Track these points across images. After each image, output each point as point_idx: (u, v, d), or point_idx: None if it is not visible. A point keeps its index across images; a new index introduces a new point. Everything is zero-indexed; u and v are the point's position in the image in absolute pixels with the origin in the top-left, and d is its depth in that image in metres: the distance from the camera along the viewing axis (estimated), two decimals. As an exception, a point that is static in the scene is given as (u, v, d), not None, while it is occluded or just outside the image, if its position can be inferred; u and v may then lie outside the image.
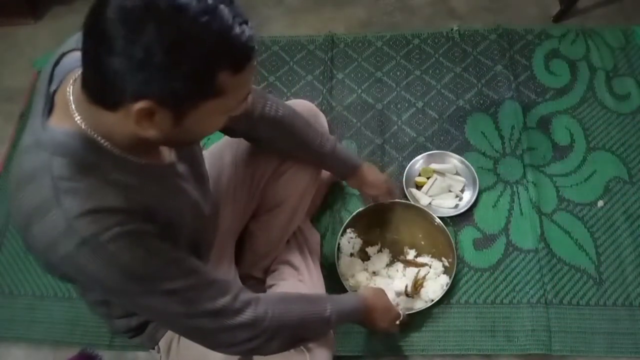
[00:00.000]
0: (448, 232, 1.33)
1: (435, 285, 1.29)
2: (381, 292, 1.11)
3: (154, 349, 1.02)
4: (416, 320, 1.29)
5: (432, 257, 1.35)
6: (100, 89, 0.63)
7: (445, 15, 1.88)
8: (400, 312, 1.13)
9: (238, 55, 0.62)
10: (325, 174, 1.41)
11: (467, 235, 1.42)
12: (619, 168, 1.49)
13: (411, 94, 1.69)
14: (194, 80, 0.60)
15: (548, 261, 1.36)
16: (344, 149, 1.21)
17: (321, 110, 1.34)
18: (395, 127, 1.63)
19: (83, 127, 0.67)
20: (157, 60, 0.57)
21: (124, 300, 0.77)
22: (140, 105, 0.60)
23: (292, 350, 0.93)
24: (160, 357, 1.01)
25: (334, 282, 1.29)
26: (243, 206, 1.17)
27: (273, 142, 1.10)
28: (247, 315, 0.79)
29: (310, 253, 1.31)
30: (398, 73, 1.74)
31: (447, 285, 1.28)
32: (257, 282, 1.24)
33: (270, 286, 1.20)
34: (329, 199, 1.49)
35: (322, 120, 1.27)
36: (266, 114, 1.04)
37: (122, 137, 0.68)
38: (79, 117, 0.67)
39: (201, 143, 1.55)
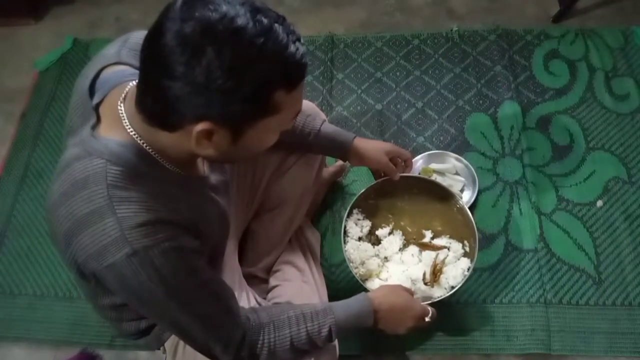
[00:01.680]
0: (468, 211, 1.20)
1: (456, 270, 1.17)
2: (396, 290, 1.01)
3: (159, 349, 1.02)
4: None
5: (450, 238, 1.23)
6: (160, 113, 0.64)
7: (445, 15, 1.89)
8: (429, 308, 1.02)
9: (293, 73, 0.63)
10: (325, 173, 1.42)
11: (467, 235, 1.42)
12: (618, 168, 1.50)
13: (411, 94, 1.70)
14: (253, 101, 0.61)
15: (547, 261, 1.36)
16: (332, 127, 1.14)
17: (321, 110, 1.34)
18: (395, 127, 1.63)
19: (137, 139, 0.69)
20: (218, 83, 0.58)
21: (152, 313, 0.78)
22: (201, 127, 0.62)
23: None
24: (166, 357, 1.02)
25: (332, 283, 1.29)
26: (245, 206, 1.17)
27: None
28: (246, 350, 0.82)
29: (312, 253, 1.31)
30: (398, 73, 1.75)
31: (469, 270, 1.15)
32: (259, 281, 1.24)
33: (274, 287, 1.20)
34: (329, 199, 1.49)
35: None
36: None
37: (176, 154, 0.70)
38: (133, 132, 0.68)
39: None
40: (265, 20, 0.60)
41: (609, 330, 1.27)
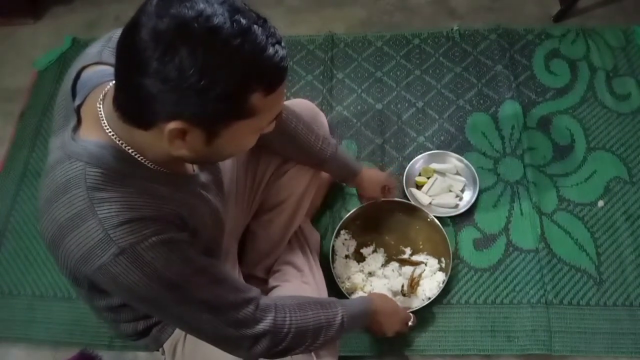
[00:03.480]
0: (443, 230, 1.33)
1: (432, 283, 1.29)
2: (387, 297, 1.14)
3: (158, 350, 1.02)
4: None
5: (427, 255, 1.35)
6: (133, 110, 0.63)
7: (446, 15, 1.88)
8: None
9: (271, 76, 0.62)
10: (325, 173, 1.41)
11: (467, 235, 1.41)
12: (619, 168, 1.49)
13: (411, 93, 1.69)
14: (227, 102, 0.60)
15: (548, 261, 1.35)
16: (344, 153, 1.22)
17: (321, 110, 1.34)
18: (396, 127, 1.63)
19: (115, 140, 0.68)
20: (190, 81, 0.57)
21: (154, 309, 0.77)
22: (172, 125, 0.61)
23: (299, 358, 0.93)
24: (165, 358, 1.01)
25: (330, 284, 1.28)
26: (245, 206, 1.17)
27: (274, 145, 1.10)
28: (268, 322, 0.80)
29: (312, 253, 1.31)
30: (398, 73, 1.74)
31: (443, 283, 1.28)
32: (259, 282, 1.24)
33: (274, 287, 1.19)
34: (328, 199, 1.49)
35: (322, 119, 1.26)
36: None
37: (154, 154, 0.69)
38: (111, 132, 0.68)
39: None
40: (243, 21, 0.58)
41: (610, 330, 1.27)
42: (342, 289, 1.29)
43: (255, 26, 0.59)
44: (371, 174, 1.30)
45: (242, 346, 0.81)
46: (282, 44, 0.63)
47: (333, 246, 1.35)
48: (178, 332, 0.97)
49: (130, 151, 0.68)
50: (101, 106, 0.69)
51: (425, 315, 1.29)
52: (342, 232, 1.38)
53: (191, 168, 0.82)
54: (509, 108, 1.62)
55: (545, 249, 1.37)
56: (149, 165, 0.70)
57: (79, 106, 0.71)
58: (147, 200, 0.68)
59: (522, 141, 1.55)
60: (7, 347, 1.37)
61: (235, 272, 1.12)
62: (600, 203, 1.44)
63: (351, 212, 1.39)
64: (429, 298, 1.27)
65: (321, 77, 1.75)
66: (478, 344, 1.27)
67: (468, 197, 1.45)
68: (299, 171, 1.18)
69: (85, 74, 0.74)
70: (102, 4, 2.03)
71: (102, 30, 1.94)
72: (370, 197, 1.36)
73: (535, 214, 1.42)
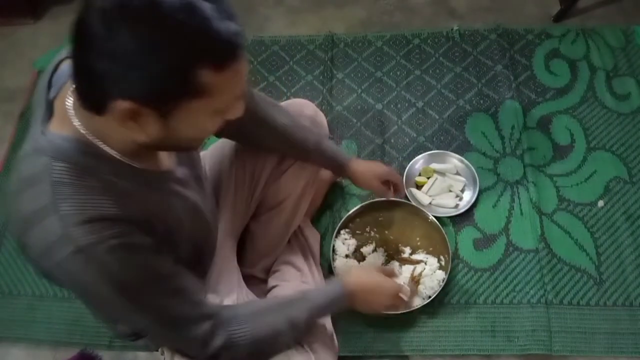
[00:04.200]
0: (442, 229, 1.33)
1: (432, 281, 1.29)
2: (369, 272, 1.04)
3: (157, 350, 1.01)
4: (415, 320, 1.29)
5: (427, 254, 1.35)
6: (87, 93, 0.63)
7: (446, 15, 1.88)
8: (404, 284, 1.06)
9: (220, 51, 0.60)
10: (324, 173, 1.41)
11: (467, 235, 1.41)
12: (619, 168, 1.49)
13: (411, 93, 1.69)
14: (173, 79, 0.59)
15: (548, 261, 1.35)
16: (332, 145, 1.18)
17: (321, 110, 1.34)
18: (396, 127, 1.63)
19: (82, 131, 0.67)
20: (135, 59, 0.56)
21: (107, 311, 0.77)
22: (122, 105, 0.59)
23: (295, 351, 0.93)
24: (164, 358, 1.01)
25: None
26: (243, 206, 1.17)
27: (257, 139, 1.09)
28: (223, 338, 0.80)
29: (312, 253, 1.31)
30: (398, 73, 1.74)
31: (443, 281, 1.28)
32: (259, 282, 1.24)
33: (273, 287, 1.19)
34: (329, 199, 1.49)
35: (321, 119, 1.26)
36: (252, 112, 1.03)
37: (118, 142, 0.68)
38: (78, 123, 0.67)
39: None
40: None
41: (610, 330, 1.27)
42: None
43: (203, 1, 0.58)
44: (366, 166, 1.23)
45: (198, 357, 0.81)
46: (236, 20, 0.61)
47: (333, 246, 1.35)
48: None
49: (97, 143, 0.67)
50: (70, 98, 0.68)
51: (425, 315, 1.29)
52: (343, 231, 1.38)
53: (166, 163, 0.81)
54: (509, 108, 1.62)
55: (545, 249, 1.37)
56: (118, 157, 0.69)
57: (53, 99, 0.71)
58: (111, 198, 0.67)
59: (522, 141, 1.55)
60: (7, 347, 1.37)
61: (234, 273, 1.12)
62: (600, 203, 1.44)
63: (351, 211, 1.39)
64: (430, 297, 1.27)
65: (321, 77, 1.75)
66: (478, 344, 1.27)
67: (468, 197, 1.45)
68: (298, 171, 1.18)
69: (62, 67, 0.74)
70: (102, 4, 2.03)
71: (102, 30, 1.94)
72: (368, 189, 1.31)
73: (535, 214, 1.42)
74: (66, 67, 0.73)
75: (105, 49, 0.57)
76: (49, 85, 0.73)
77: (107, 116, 0.62)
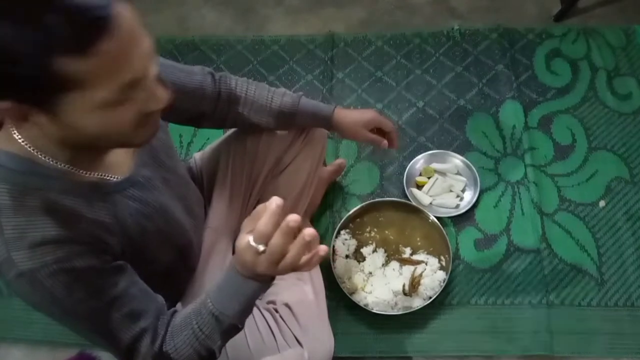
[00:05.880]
0: (443, 229, 1.33)
1: (433, 282, 1.29)
2: (237, 240, 0.71)
3: None
4: (416, 321, 1.29)
5: (427, 254, 1.34)
6: None
7: (446, 14, 1.88)
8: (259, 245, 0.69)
9: (69, 34, 0.50)
10: (324, 172, 1.41)
11: (468, 235, 1.41)
12: (621, 168, 1.49)
13: (412, 93, 1.69)
14: (28, 72, 0.51)
15: (549, 262, 1.35)
16: (311, 100, 1.10)
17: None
18: (396, 126, 1.62)
19: (24, 145, 0.64)
20: None
21: (63, 326, 0.76)
22: (2, 106, 0.54)
23: (289, 349, 0.93)
24: None
25: (330, 284, 1.28)
26: (240, 205, 1.16)
27: (237, 117, 1.06)
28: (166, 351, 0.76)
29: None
30: (398, 72, 1.74)
31: (444, 282, 1.28)
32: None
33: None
34: (329, 199, 1.48)
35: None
36: (222, 90, 1.02)
37: (54, 147, 0.65)
38: (17, 134, 0.64)
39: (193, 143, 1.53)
40: None
41: (611, 331, 1.26)
42: (343, 289, 1.28)
43: None
44: (352, 115, 1.11)
45: None
46: None
47: (333, 246, 1.35)
48: None
49: (38, 154, 0.65)
50: None
51: (426, 315, 1.29)
52: (342, 231, 1.38)
53: (124, 168, 0.77)
54: (510, 108, 1.61)
55: (546, 249, 1.37)
56: (60, 169, 0.66)
57: None
58: (54, 219, 0.64)
59: (523, 141, 1.54)
60: (6, 348, 1.37)
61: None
62: (602, 203, 1.44)
63: (351, 211, 1.38)
64: (430, 297, 1.27)
65: (321, 77, 1.74)
66: (479, 345, 1.26)
67: (469, 197, 1.45)
68: (296, 170, 1.17)
69: None
70: (101, 3, 2.03)
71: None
72: (361, 141, 1.18)
73: (537, 214, 1.42)
74: None
75: None
76: None
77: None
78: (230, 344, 0.86)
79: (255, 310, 1.01)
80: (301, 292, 1.13)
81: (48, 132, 0.61)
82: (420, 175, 1.49)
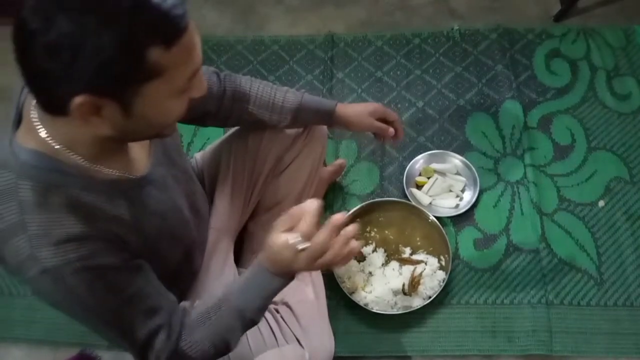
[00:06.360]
0: (442, 229, 1.33)
1: (432, 282, 1.29)
2: (271, 240, 0.78)
3: None
4: (416, 320, 1.29)
5: (427, 254, 1.35)
6: (43, 96, 0.61)
7: (446, 14, 1.88)
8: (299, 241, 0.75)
9: (162, 27, 0.57)
10: (324, 172, 1.41)
11: (468, 235, 1.41)
12: (620, 168, 1.49)
13: (411, 93, 1.69)
14: (122, 63, 0.56)
15: (549, 261, 1.35)
16: (313, 97, 1.10)
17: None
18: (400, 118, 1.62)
19: (48, 141, 0.65)
20: (76, 48, 0.54)
21: (78, 322, 0.77)
22: (79, 100, 0.57)
23: (290, 346, 0.93)
24: None
25: (330, 284, 1.28)
26: (241, 205, 1.16)
27: (241, 114, 1.06)
28: (167, 354, 0.77)
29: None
30: (398, 72, 1.74)
31: (443, 282, 1.28)
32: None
33: None
34: (328, 199, 1.48)
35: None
36: (227, 88, 1.02)
37: (84, 143, 0.66)
38: (43, 131, 0.65)
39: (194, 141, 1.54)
40: None
41: (610, 331, 1.26)
42: (343, 289, 1.29)
43: None
44: (356, 107, 1.12)
45: None
46: None
47: None
48: None
49: (65, 151, 0.66)
50: (36, 107, 0.66)
51: (425, 315, 1.29)
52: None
53: (141, 166, 0.78)
54: (510, 108, 1.62)
55: (545, 249, 1.37)
56: (86, 166, 0.68)
57: (23, 106, 0.69)
58: (77, 216, 0.65)
59: (523, 141, 1.55)
60: (7, 347, 1.37)
61: (230, 272, 1.11)
62: (601, 203, 1.44)
63: (351, 211, 1.38)
64: (430, 297, 1.27)
65: (321, 77, 1.75)
66: (479, 345, 1.26)
67: (468, 197, 1.45)
68: (297, 170, 1.18)
69: None
70: (101, 3, 2.03)
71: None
72: (367, 131, 1.16)
73: (536, 214, 1.42)
74: None
75: (47, 44, 0.54)
76: (22, 90, 0.71)
77: (69, 116, 0.59)
78: None
79: None
80: (302, 292, 1.13)
81: (101, 126, 0.62)
82: (420, 175, 1.50)
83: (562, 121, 1.59)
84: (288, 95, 1.07)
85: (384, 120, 1.15)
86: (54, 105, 0.61)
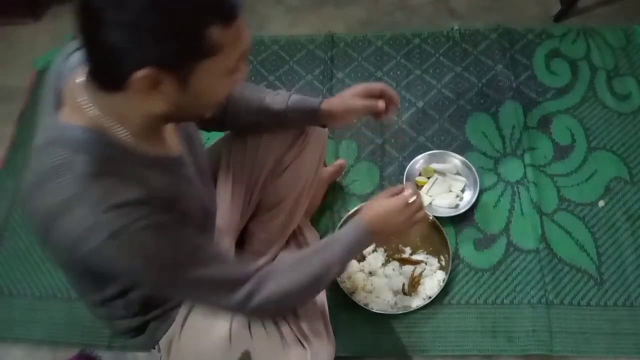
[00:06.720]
0: (442, 229, 1.33)
1: (432, 282, 1.29)
2: (376, 200, 0.95)
3: (154, 348, 1.01)
4: (416, 320, 1.29)
5: (427, 254, 1.35)
6: (101, 69, 0.64)
7: (446, 14, 1.88)
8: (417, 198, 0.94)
9: (224, 7, 0.62)
10: (324, 173, 1.41)
11: (468, 235, 1.41)
12: (620, 168, 1.49)
13: (412, 93, 1.69)
14: (187, 39, 0.61)
15: (549, 261, 1.35)
16: (299, 98, 1.07)
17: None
18: (396, 127, 1.63)
19: (98, 118, 0.68)
20: (147, 23, 0.58)
21: (151, 288, 0.80)
22: (141, 73, 0.61)
23: (292, 346, 0.94)
24: (161, 356, 1.01)
25: (330, 283, 1.28)
26: (241, 205, 1.16)
27: (234, 118, 1.06)
28: (258, 300, 0.81)
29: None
30: (398, 72, 1.74)
31: (443, 282, 1.29)
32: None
33: None
34: (328, 199, 1.48)
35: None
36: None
37: (134, 121, 0.70)
38: (92, 109, 0.68)
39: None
40: None
41: (610, 331, 1.26)
42: (343, 289, 1.29)
43: None
44: (339, 98, 1.07)
45: (242, 312, 0.84)
46: None
47: None
48: (173, 329, 0.97)
49: (114, 127, 0.69)
50: (82, 83, 0.69)
51: (425, 315, 1.29)
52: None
53: (176, 149, 0.82)
54: (510, 108, 1.62)
55: (545, 249, 1.37)
56: (130, 143, 0.71)
57: (62, 89, 0.72)
58: (134, 183, 0.69)
59: (523, 141, 1.55)
60: (7, 347, 1.37)
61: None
62: (601, 203, 1.44)
63: (351, 211, 1.38)
64: (430, 297, 1.27)
65: (321, 77, 1.75)
66: (479, 345, 1.26)
67: (468, 197, 1.45)
68: (297, 171, 1.18)
69: (71, 57, 0.75)
70: (102, 3, 2.03)
71: (102, 30, 1.94)
72: (361, 113, 1.08)
73: (536, 214, 1.42)
74: (75, 58, 0.73)
75: (115, 18, 0.57)
76: (59, 75, 0.74)
77: (127, 91, 0.63)
78: (235, 338, 0.93)
79: None
80: None
81: (157, 100, 0.66)
82: (420, 175, 1.50)
83: (562, 121, 1.59)
84: (276, 98, 1.06)
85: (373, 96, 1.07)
86: (113, 80, 0.64)
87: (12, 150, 1.71)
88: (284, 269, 0.87)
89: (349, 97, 1.07)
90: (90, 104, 0.68)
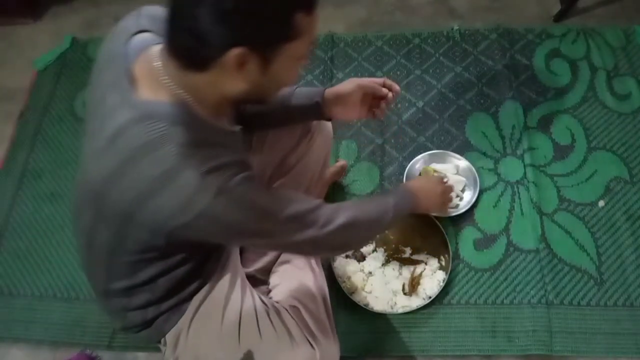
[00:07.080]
0: (442, 229, 1.34)
1: (432, 282, 1.30)
2: (424, 178, 1.24)
3: (160, 342, 1.01)
4: (416, 320, 1.29)
5: (427, 254, 1.35)
6: (191, 49, 0.68)
7: (446, 14, 1.88)
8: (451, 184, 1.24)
9: None
10: (326, 173, 1.41)
11: (468, 235, 1.41)
12: (620, 168, 1.49)
13: (411, 93, 1.69)
14: (278, 22, 0.67)
15: (549, 261, 1.35)
16: (302, 89, 1.07)
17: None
18: (396, 127, 1.63)
19: (180, 95, 0.73)
20: (245, 6, 0.63)
21: (253, 239, 0.85)
22: (235, 52, 0.65)
23: (301, 345, 0.95)
24: (165, 350, 1.01)
25: (330, 283, 1.28)
26: None
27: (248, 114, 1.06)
28: (343, 219, 0.88)
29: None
30: (398, 72, 1.74)
31: (443, 282, 1.29)
32: (259, 282, 1.23)
33: (275, 286, 1.19)
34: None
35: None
36: None
37: (210, 100, 0.75)
38: (174, 86, 0.73)
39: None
40: None
41: (610, 331, 1.26)
42: (343, 289, 1.29)
43: None
44: (338, 88, 1.07)
45: (322, 238, 0.87)
46: None
47: None
48: (182, 322, 0.97)
49: (194, 104, 0.74)
50: (159, 63, 0.73)
51: (425, 315, 1.29)
52: None
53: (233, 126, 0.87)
54: (510, 108, 1.62)
55: (545, 249, 1.37)
56: (210, 121, 0.77)
57: (131, 68, 0.75)
58: (221, 149, 0.75)
59: (523, 141, 1.55)
60: (6, 347, 1.37)
61: (238, 272, 1.11)
62: (601, 203, 1.44)
63: None
64: (430, 297, 1.27)
65: (321, 77, 1.75)
66: (478, 345, 1.26)
67: (468, 197, 1.45)
68: (302, 172, 1.18)
69: (134, 40, 0.78)
70: (101, 4, 2.03)
71: (101, 30, 1.94)
72: (365, 87, 1.07)
73: (536, 214, 1.42)
74: (140, 39, 0.78)
75: (215, 3, 0.62)
76: (125, 57, 0.77)
77: (211, 71, 0.68)
78: (244, 336, 0.95)
79: (265, 306, 1.02)
80: (310, 294, 1.13)
81: (240, 80, 0.70)
82: (420, 175, 1.50)
83: (562, 121, 1.59)
84: (283, 95, 1.05)
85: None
86: (203, 60, 0.68)
87: (12, 150, 1.71)
88: (351, 204, 0.95)
89: (353, 92, 1.06)
90: (172, 82, 0.72)
